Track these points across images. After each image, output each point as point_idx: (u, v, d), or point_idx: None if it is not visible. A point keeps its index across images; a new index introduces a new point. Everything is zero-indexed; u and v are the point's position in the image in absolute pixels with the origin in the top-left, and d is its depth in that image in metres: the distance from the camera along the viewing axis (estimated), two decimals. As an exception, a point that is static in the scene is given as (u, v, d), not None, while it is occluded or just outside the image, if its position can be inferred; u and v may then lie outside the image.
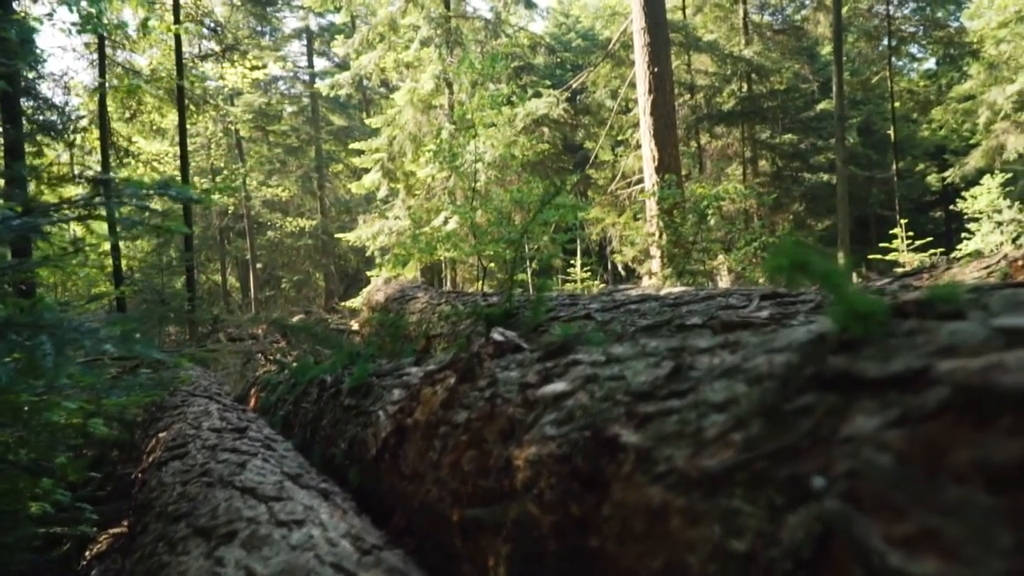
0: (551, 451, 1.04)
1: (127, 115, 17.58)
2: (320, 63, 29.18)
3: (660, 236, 9.90)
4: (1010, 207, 14.37)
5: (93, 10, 6.03)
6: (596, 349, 1.29)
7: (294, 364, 4.26)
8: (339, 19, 20.87)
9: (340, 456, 2.17)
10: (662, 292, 5.52)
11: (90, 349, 1.62)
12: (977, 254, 15.34)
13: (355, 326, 7.82)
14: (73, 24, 5.85)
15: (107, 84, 13.91)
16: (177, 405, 3.68)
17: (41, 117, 14.88)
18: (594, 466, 0.93)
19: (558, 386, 1.17)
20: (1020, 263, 2.52)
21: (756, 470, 0.67)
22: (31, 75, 13.89)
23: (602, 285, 17.33)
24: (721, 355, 0.91)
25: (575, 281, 15.37)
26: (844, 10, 18.77)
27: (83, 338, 1.61)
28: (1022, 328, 0.57)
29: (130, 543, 2.22)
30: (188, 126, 21.74)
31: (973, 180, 17.85)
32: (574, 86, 17.94)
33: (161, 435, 3.09)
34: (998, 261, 2.64)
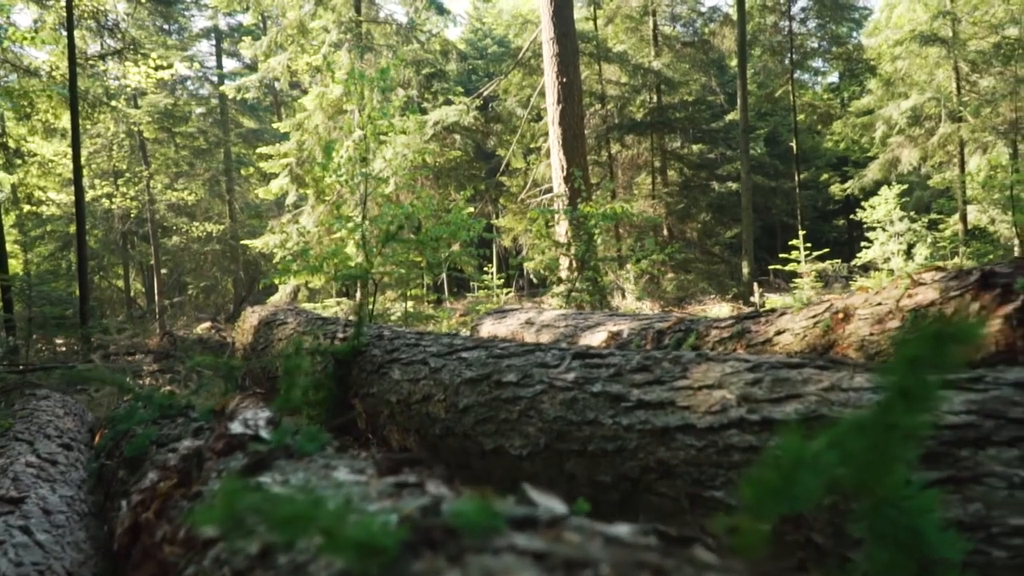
0: (171, 620, 0.90)
1: (21, 113, 16.62)
2: (230, 64, 28.36)
3: (569, 250, 9.83)
4: (901, 219, 14.98)
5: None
6: (293, 468, 1.15)
7: (143, 398, 3.95)
8: (248, 20, 20.25)
9: (104, 539, 1.97)
10: (536, 316, 5.46)
11: None
12: (871, 264, 15.94)
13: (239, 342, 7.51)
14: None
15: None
16: (-5, 453, 3.37)
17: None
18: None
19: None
20: (840, 316, 2.49)
21: None
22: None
23: (513, 294, 17.31)
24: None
25: (489, 288, 15.26)
26: (749, 26, 19.26)
27: None
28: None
29: None
30: (88, 127, 20.70)
31: (872, 191, 18.55)
32: (486, 94, 17.84)
33: (-44, 495, 2.81)
34: (824, 311, 2.62)
